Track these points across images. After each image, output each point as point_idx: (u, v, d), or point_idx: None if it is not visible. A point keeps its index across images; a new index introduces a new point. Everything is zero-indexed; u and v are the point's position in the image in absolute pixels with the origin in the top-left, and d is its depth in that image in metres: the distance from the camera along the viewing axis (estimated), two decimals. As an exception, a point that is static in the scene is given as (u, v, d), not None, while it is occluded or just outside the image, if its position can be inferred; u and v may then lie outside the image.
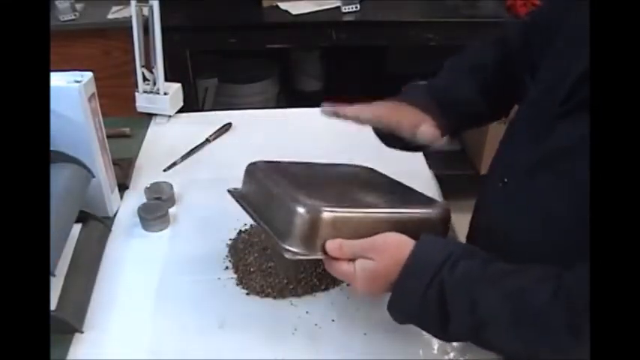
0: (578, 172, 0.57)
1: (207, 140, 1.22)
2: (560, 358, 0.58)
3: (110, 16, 1.97)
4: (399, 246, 0.64)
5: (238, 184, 1.08)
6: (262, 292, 0.84)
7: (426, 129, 0.78)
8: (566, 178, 0.62)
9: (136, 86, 1.27)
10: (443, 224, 0.76)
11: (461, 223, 0.89)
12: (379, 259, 0.64)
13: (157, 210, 0.97)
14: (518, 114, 0.79)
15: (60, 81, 0.86)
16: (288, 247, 0.67)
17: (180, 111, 1.32)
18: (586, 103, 0.54)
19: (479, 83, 0.87)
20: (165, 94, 1.26)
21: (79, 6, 1.98)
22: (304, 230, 0.67)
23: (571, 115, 0.63)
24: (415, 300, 0.62)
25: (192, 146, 1.19)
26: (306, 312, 0.81)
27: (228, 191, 0.83)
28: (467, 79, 0.88)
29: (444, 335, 0.65)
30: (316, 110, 1.34)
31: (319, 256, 0.68)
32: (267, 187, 0.76)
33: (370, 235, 0.66)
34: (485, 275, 0.61)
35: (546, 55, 0.73)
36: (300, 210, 0.67)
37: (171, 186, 1.03)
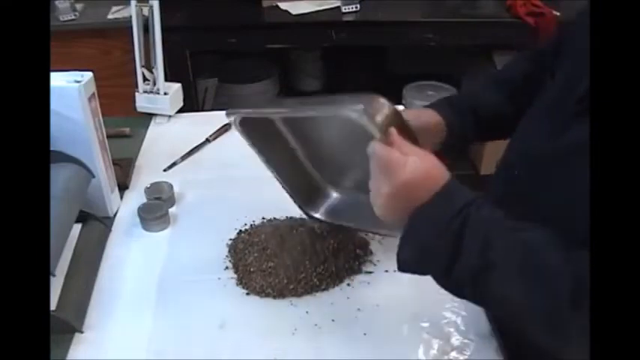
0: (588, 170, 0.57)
1: (207, 140, 1.22)
2: (554, 322, 0.57)
3: (110, 16, 1.97)
4: (443, 171, 0.64)
5: (238, 184, 1.08)
6: (262, 292, 0.84)
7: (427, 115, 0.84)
8: (578, 175, 0.62)
9: (136, 86, 1.27)
10: None
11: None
12: (430, 165, 0.63)
13: (157, 210, 0.97)
14: (534, 108, 0.79)
15: (60, 81, 0.86)
16: None
17: (181, 111, 1.32)
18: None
19: (504, 92, 0.89)
20: (165, 94, 1.26)
21: (79, 6, 1.98)
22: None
23: (587, 113, 0.63)
24: (436, 227, 0.61)
25: (192, 146, 1.19)
26: (306, 312, 0.81)
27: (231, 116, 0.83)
28: (491, 87, 0.91)
29: (445, 276, 0.63)
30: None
31: (377, 132, 0.63)
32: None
33: None
34: (507, 223, 0.60)
35: (568, 54, 0.74)
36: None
37: (171, 186, 1.03)
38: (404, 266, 0.65)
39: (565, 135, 0.66)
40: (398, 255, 0.65)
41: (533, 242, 0.58)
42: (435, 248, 0.61)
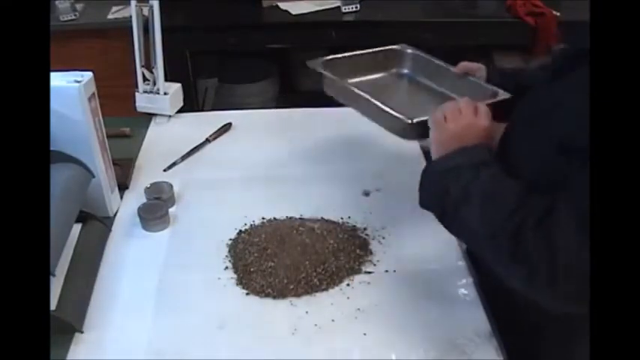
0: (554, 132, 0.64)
1: (207, 140, 1.22)
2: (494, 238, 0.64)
3: (110, 16, 1.97)
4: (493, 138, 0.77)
5: (238, 183, 1.09)
6: (262, 292, 0.84)
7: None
8: (544, 136, 0.67)
9: (136, 86, 1.27)
10: None
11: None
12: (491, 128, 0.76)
13: (157, 210, 0.97)
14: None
15: (60, 81, 0.86)
16: None
17: (181, 111, 1.32)
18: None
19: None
20: (165, 94, 1.26)
21: (79, 6, 1.98)
22: None
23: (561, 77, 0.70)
24: (465, 161, 0.71)
25: (192, 146, 1.19)
26: (306, 312, 0.81)
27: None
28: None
29: (444, 198, 0.70)
30: (316, 110, 1.36)
31: None
32: None
33: None
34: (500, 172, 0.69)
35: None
36: None
37: (171, 186, 1.03)
38: (425, 185, 0.75)
39: (537, 100, 0.73)
40: (431, 165, 0.75)
41: (506, 183, 0.67)
42: (453, 174, 0.71)
